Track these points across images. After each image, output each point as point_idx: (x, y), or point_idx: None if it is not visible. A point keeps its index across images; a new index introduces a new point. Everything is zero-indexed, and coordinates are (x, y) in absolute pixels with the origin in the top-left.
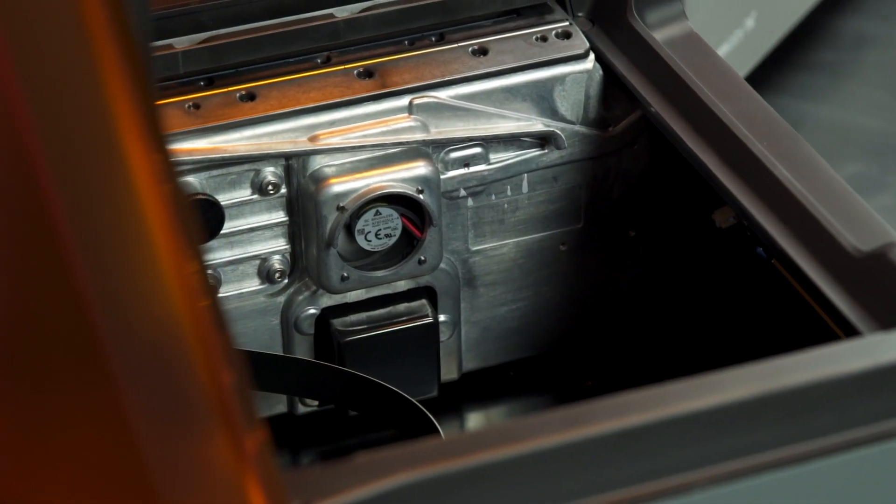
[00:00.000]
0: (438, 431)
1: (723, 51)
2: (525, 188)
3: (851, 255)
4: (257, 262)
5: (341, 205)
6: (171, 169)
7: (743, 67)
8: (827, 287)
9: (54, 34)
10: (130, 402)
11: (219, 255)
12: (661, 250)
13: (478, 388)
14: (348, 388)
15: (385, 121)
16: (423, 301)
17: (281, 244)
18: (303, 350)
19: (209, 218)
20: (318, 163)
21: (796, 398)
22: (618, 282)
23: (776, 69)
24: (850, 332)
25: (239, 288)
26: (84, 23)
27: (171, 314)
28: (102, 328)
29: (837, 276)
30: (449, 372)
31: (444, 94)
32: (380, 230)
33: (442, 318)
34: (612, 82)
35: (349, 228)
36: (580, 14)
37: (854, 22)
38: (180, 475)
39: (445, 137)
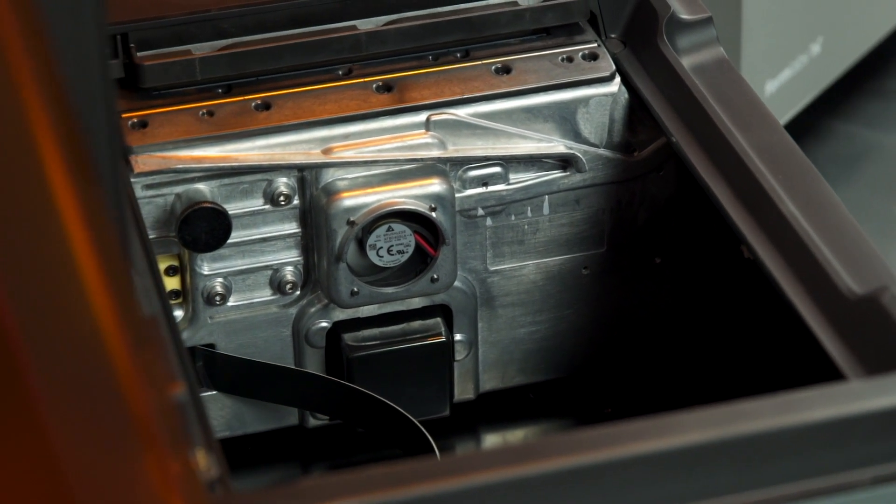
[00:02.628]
0: (435, 451)
1: (784, 76)
2: (546, 210)
3: (845, 297)
4: (269, 272)
5: (352, 219)
6: (95, 196)
7: (807, 94)
8: (818, 328)
9: None
10: (51, 422)
11: (230, 263)
12: (687, 279)
13: (495, 410)
14: (350, 403)
15: (401, 136)
16: (438, 319)
17: (293, 255)
18: (314, 363)
19: (215, 227)
20: (330, 175)
21: (753, 444)
22: (641, 308)
23: (847, 96)
24: (836, 375)
25: (250, 298)
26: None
27: (92, 335)
28: (23, 349)
29: (829, 318)
30: (465, 392)
31: (462, 112)
32: (392, 246)
33: (458, 337)
34: (639, 106)
35: (361, 243)
36: (613, 35)
37: None
38: (102, 497)
39: (463, 156)
